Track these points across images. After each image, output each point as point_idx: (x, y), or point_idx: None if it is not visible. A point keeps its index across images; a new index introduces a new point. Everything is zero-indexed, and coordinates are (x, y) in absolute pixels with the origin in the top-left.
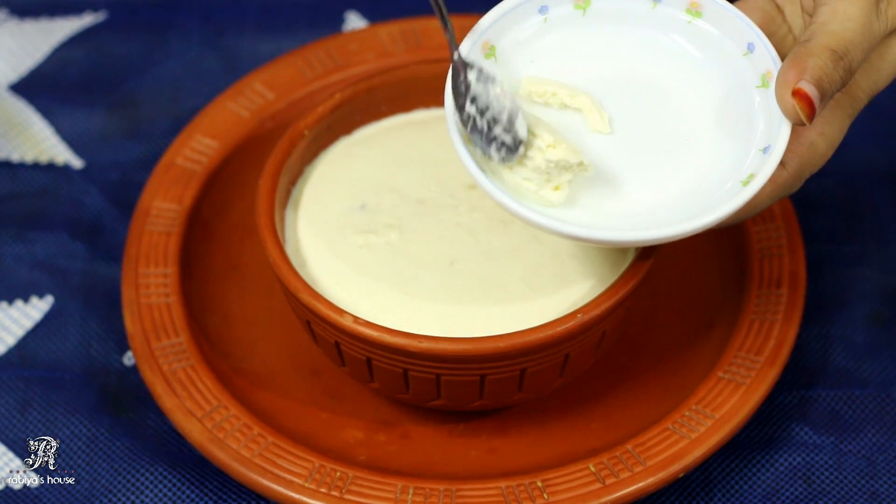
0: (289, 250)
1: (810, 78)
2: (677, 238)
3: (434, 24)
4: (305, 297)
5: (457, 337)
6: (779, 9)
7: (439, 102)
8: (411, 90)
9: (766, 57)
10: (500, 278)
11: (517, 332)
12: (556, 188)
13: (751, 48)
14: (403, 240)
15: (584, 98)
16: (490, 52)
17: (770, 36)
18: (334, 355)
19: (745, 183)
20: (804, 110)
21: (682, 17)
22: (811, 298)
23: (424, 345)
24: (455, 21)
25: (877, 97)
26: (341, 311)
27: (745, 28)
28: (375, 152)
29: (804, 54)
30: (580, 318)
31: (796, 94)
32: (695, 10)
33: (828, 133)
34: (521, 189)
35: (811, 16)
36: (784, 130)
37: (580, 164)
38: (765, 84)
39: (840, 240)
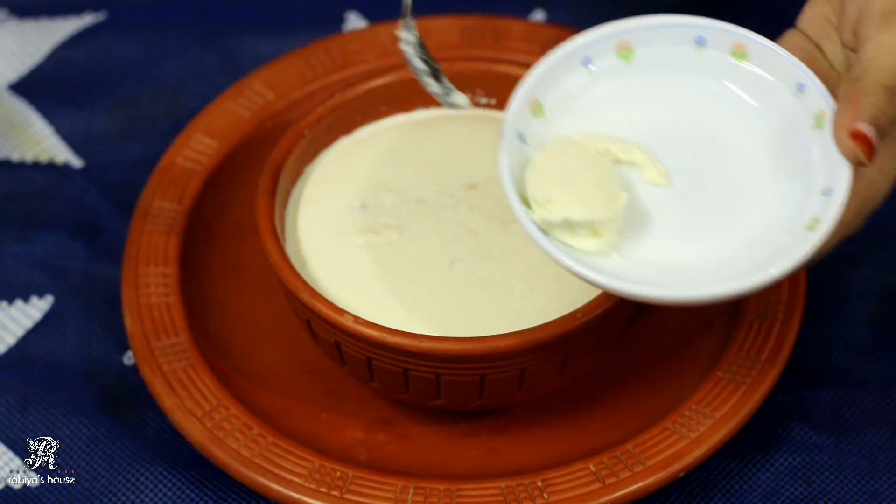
0: (289, 250)
1: (866, 118)
2: (747, 293)
3: (435, 23)
4: (305, 297)
5: (457, 337)
6: (817, 47)
7: (439, 102)
8: (411, 90)
9: (818, 96)
10: (500, 278)
11: (517, 332)
12: (595, 234)
13: (801, 88)
14: (403, 240)
15: (638, 152)
16: (538, 109)
17: None
18: (334, 355)
19: (810, 227)
20: (864, 151)
21: (727, 61)
22: (811, 298)
23: (425, 344)
24: (455, 20)
25: None
26: (341, 311)
27: (793, 67)
28: (375, 152)
29: (857, 94)
30: (580, 318)
31: (854, 135)
32: (740, 53)
33: (885, 168)
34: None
35: (854, 51)
36: (844, 172)
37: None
38: (818, 124)
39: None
